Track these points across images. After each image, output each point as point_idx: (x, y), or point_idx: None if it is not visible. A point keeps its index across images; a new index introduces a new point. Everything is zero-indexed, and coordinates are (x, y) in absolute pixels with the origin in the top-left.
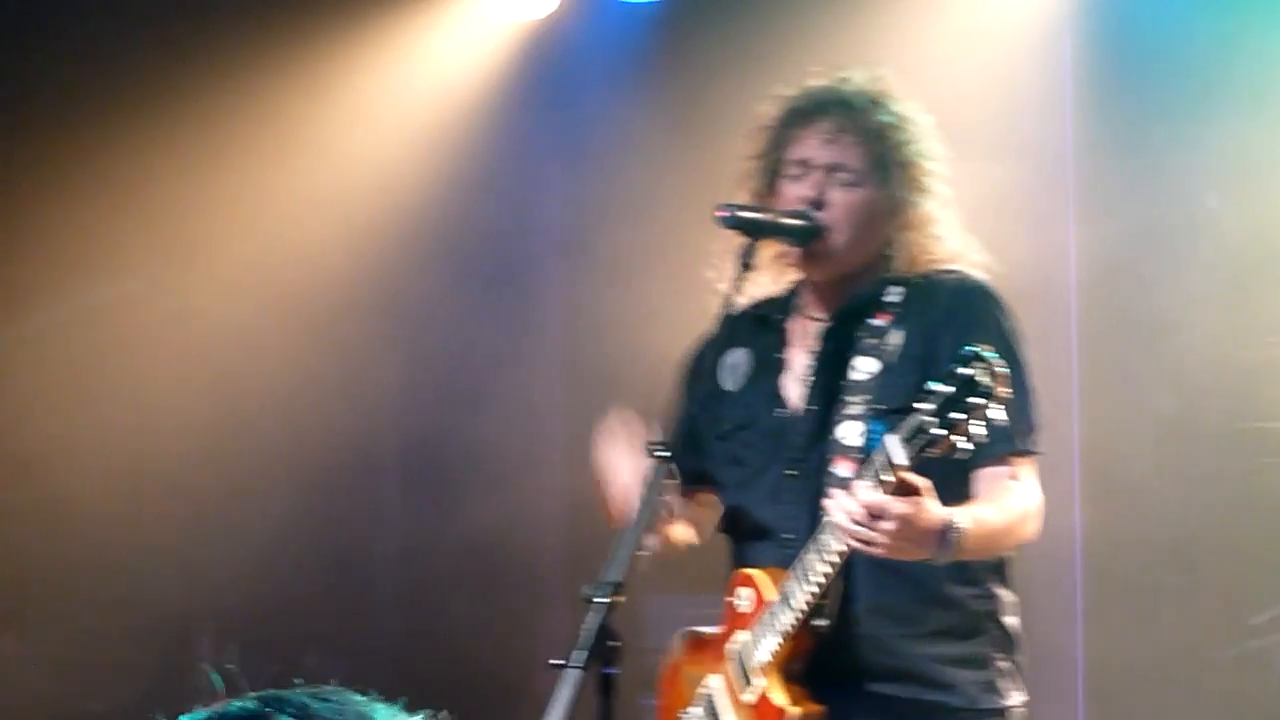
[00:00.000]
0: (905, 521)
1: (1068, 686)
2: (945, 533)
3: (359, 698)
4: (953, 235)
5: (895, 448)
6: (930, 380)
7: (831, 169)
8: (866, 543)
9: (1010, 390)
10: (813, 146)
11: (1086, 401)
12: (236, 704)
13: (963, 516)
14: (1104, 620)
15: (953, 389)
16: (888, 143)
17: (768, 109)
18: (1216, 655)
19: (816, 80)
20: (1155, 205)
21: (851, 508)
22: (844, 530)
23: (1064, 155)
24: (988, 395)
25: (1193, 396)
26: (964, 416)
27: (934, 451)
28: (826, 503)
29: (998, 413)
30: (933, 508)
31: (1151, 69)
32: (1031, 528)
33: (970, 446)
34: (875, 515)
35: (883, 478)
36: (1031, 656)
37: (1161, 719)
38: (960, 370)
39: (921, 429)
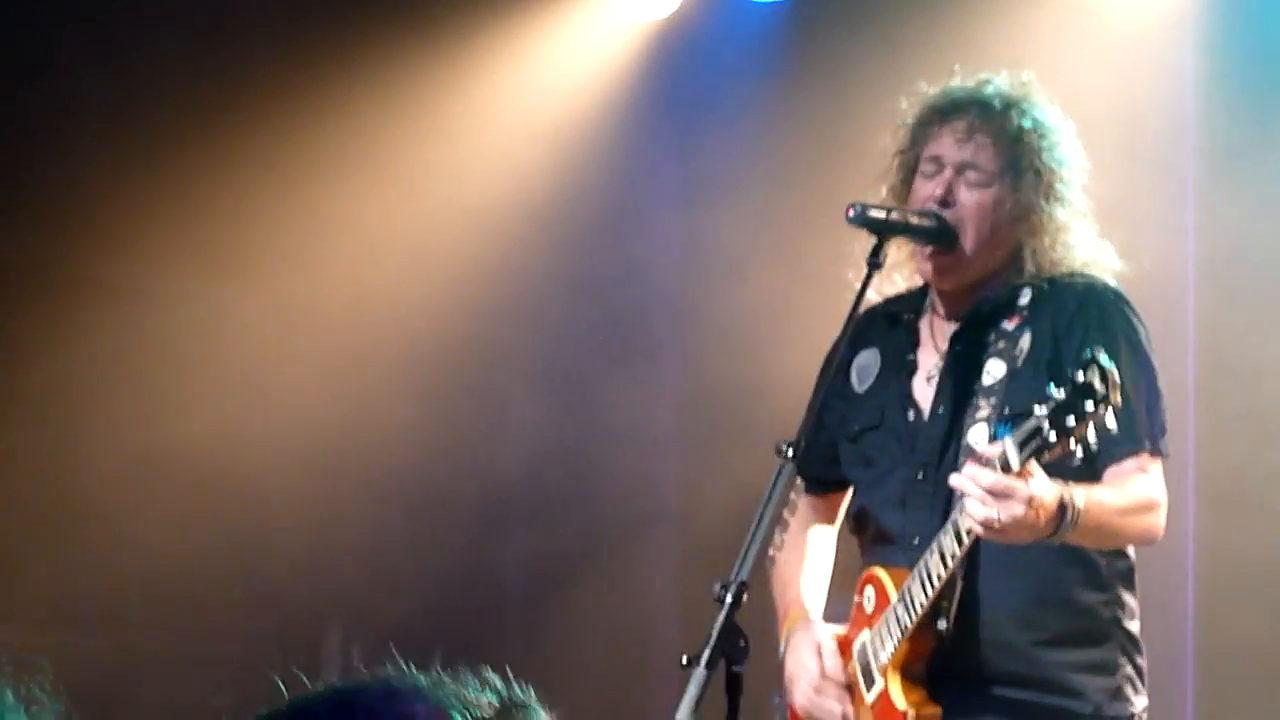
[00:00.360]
0: (1028, 502)
1: (1178, 693)
2: (1062, 510)
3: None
4: (1085, 244)
5: (1011, 451)
6: (1048, 384)
7: (962, 168)
8: (992, 523)
9: (1135, 392)
10: (946, 144)
11: (1203, 407)
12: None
13: (1079, 494)
14: (1216, 627)
15: (1068, 394)
16: (1022, 146)
17: (908, 106)
18: (1246, 641)
19: (958, 80)
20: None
21: (982, 484)
22: (973, 508)
23: (1184, 159)
24: (1103, 401)
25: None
26: (1078, 422)
27: (1048, 456)
28: (955, 478)
29: (1111, 419)
30: (1047, 485)
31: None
32: (1154, 521)
33: (1082, 453)
34: (1000, 495)
35: None
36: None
37: None
38: (1077, 376)
39: (1037, 433)
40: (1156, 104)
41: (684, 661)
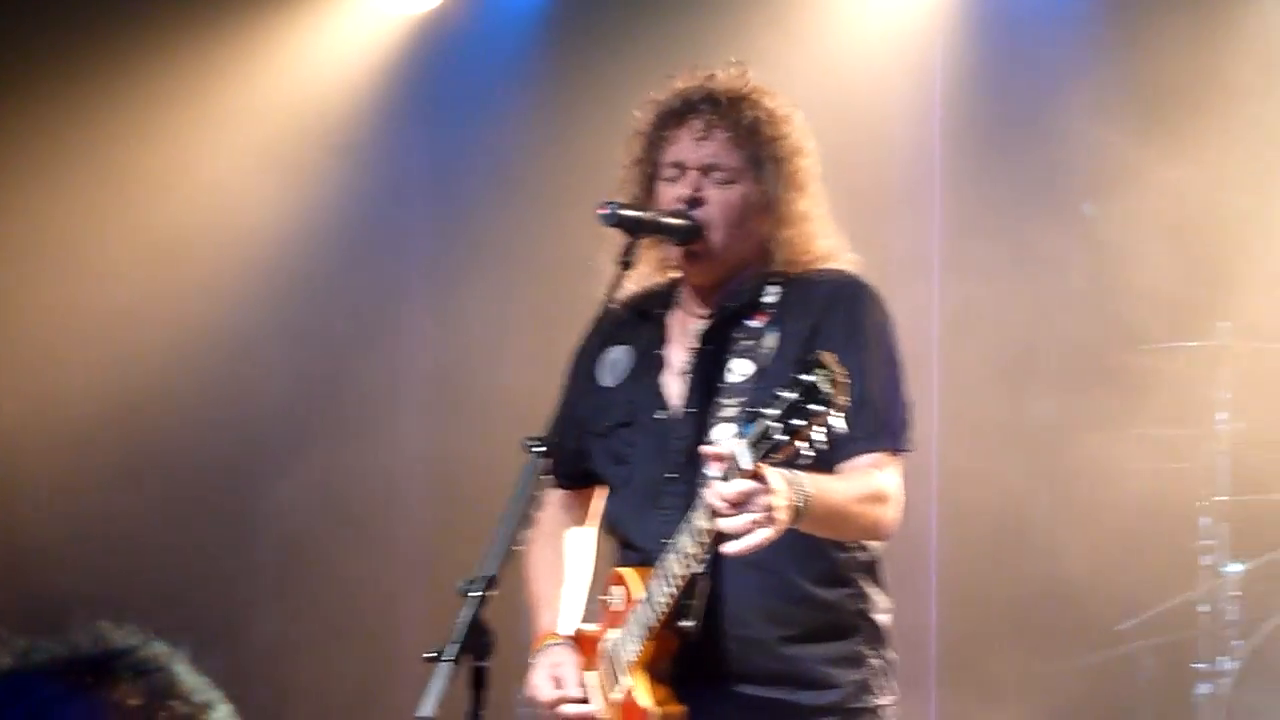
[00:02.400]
0: (766, 505)
1: (922, 690)
2: (793, 496)
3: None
4: (827, 232)
5: (742, 452)
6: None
7: (706, 168)
8: (745, 533)
9: (878, 387)
10: (686, 147)
11: (946, 407)
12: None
13: (807, 482)
14: (963, 625)
15: (795, 395)
16: (759, 138)
17: (639, 114)
18: (1081, 662)
19: (685, 80)
20: (1024, 214)
21: (723, 493)
22: (724, 520)
23: (932, 151)
24: (828, 403)
25: (1065, 403)
26: (804, 423)
27: (777, 456)
28: (702, 505)
29: (838, 420)
30: (777, 477)
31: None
32: (884, 513)
33: (811, 453)
34: (737, 504)
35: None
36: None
37: None
38: (803, 377)
39: (766, 434)
40: (905, 98)
41: (428, 656)
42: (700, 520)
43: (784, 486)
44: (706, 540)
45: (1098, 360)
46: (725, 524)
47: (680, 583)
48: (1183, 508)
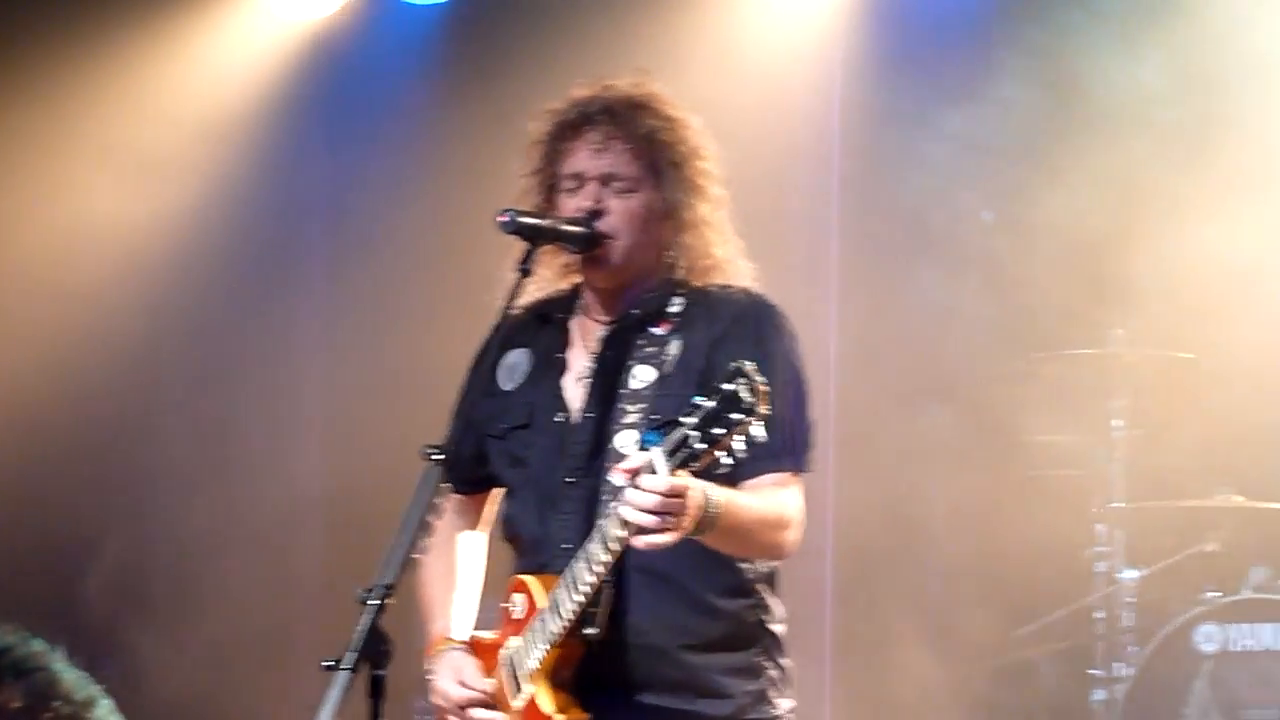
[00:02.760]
0: (679, 510)
1: (818, 701)
2: (704, 507)
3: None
4: (727, 237)
5: (659, 460)
6: (696, 394)
7: (606, 179)
8: (644, 530)
9: (783, 407)
10: (584, 158)
11: (844, 416)
12: None
13: (718, 494)
14: (858, 631)
15: (715, 404)
16: (657, 146)
17: (536, 125)
18: (978, 668)
19: (581, 90)
20: (922, 222)
21: (637, 500)
22: (626, 516)
23: (831, 162)
24: (750, 412)
25: (962, 410)
26: (725, 432)
27: (696, 465)
28: (615, 510)
29: (759, 429)
30: (693, 484)
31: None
32: (789, 535)
33: (730, 462)
34: (651, 511)
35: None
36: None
37: None
38: (724, 386)
39: (684, 443)
40: (804, 106)
41: (327, 664)
42: (612, 528)
43: (698, 495)
44: (618, 548)
45: (994, 368)
46: (637, 539)
47: (589, 591)
48: (1079, 515)
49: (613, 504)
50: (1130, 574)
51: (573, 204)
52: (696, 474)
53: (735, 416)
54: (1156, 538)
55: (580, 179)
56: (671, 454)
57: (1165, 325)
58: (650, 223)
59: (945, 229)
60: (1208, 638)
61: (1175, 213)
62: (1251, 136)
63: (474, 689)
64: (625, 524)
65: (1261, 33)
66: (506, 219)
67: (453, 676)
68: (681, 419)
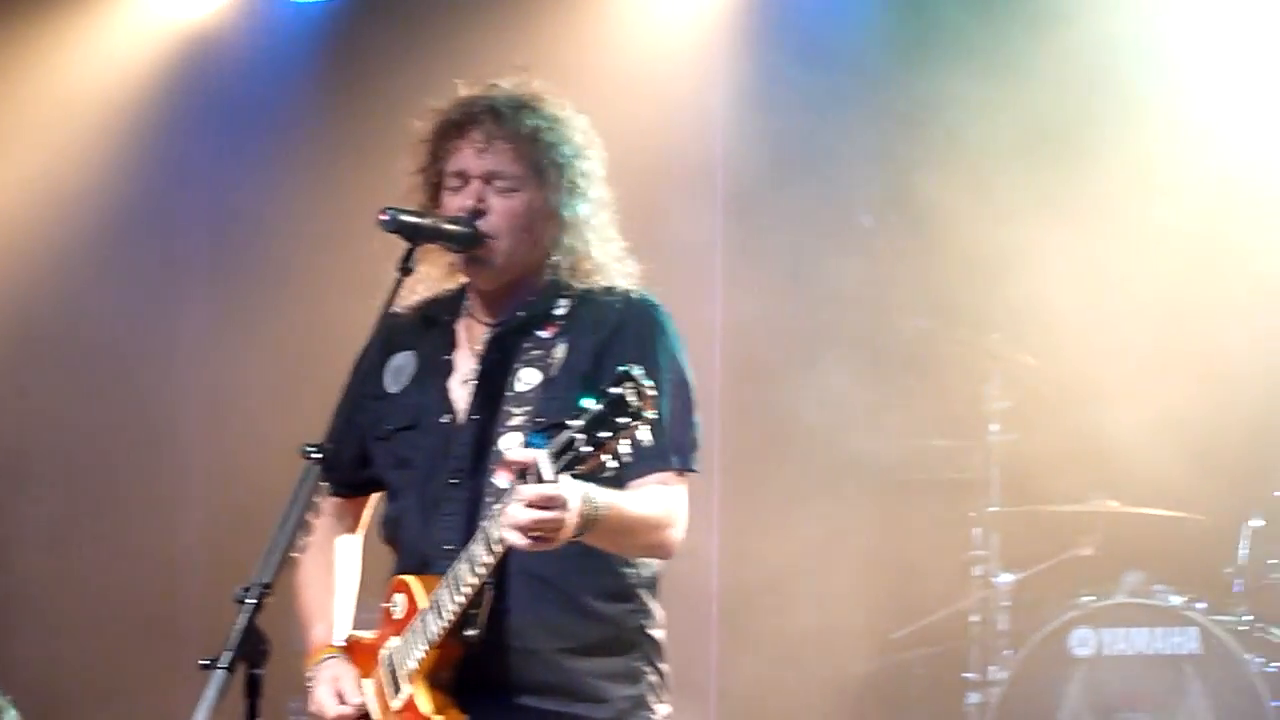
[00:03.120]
0: (562, 512)
1: (701, 702)
2: (584, 506)
3: None
4: (610, 238)
5: (545, 463)
6: (582, 397)
7: (489, 177)
8: (527, 533)
9: (669, 408)
10: (468, 157)
11: (729, 418)
12: None
13: (600, 496)
14: (740, 633)
15: (602, 408)
16: (540, 145)
17: (422, 123)
18: (856, 669)
19: (466, 90)
20: (804, 225)
21: (521, 516)
22: (510, 519)
23: (714, 165)
24: (636, 416)
25: (842, 413)
26: (611, 436)
27: (582, 468)
28: (499, 513)
29: (644, 433)
30: (573, 487)
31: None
32: (669, 536)
33: (616, 465)
34: (538, 508)
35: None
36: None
37: None
38: (611, 390)
39: (570, 445)
40: (688, 110)
41: (204, 663)
42: (495, 530)
43: (578, 499)
44: (501, 550)
45: (874, 371)
46: (517, 539)
47: (470, 592)
48: (956, 518)
49: (496, 506)
50: (1006, 578)
51: (455, 203)
52: (582, 476)
53: (621, 420)
54: (1032, 542)
55: (463, 177)
56: (557, 456)
57: (1042, 331)
58: (532, 223)
59: (826, 233)
60: (1082, 642)
61: (1052, 221)
62: (1123, 149)
63: (350, 704)
64: (508, 527)
65: (1125, 53)
66: (387, 218)
67: (330, 689)
68: (568, 422)
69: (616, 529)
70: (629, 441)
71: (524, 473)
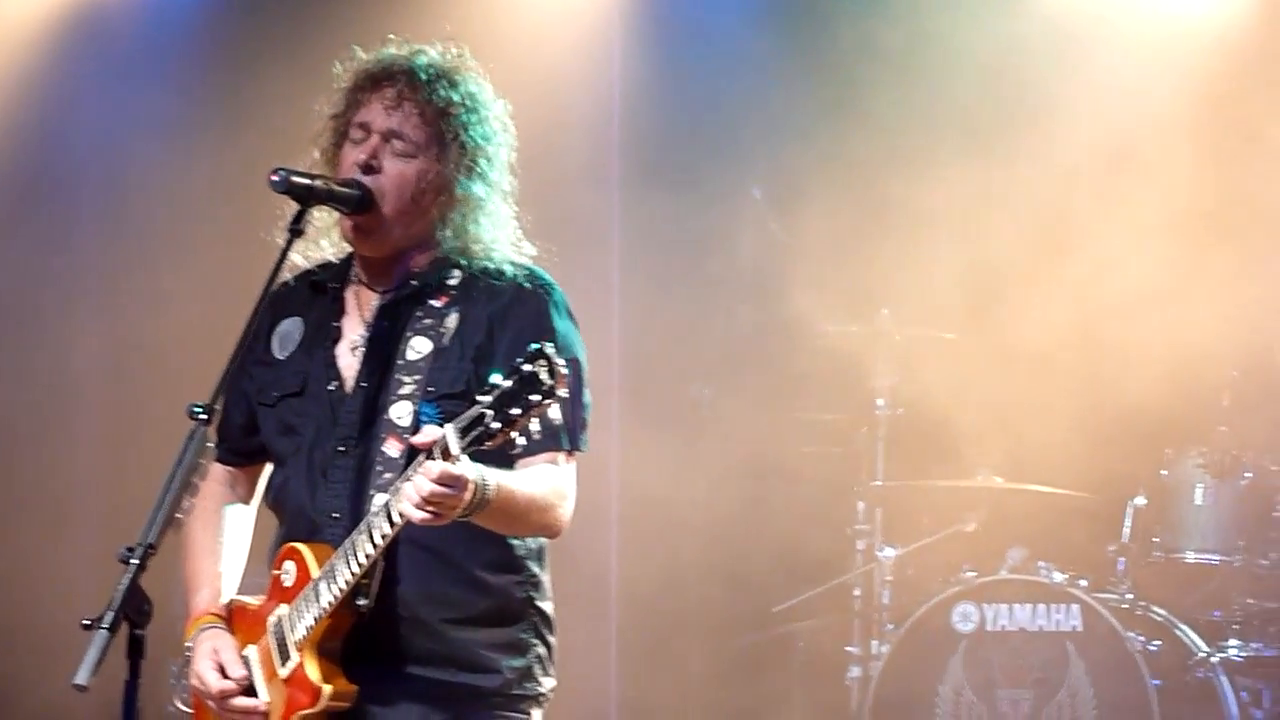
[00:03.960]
0: (464, 488)
1: (600, 668)
2: (475, 489)
3: None
4: (499, 225)
5: (453, 438)
6: (491, 372)
7: (389, 136)
8: (430, 508)
9: (566, 390)
10: (375, 111)
11: (624, 394)
12: None
13: (491, 476)
14: (634, 608)
15: (513, 385)
16: (449, 119)
17: (341, 68)
18: (739, 641)
19: (393, 47)
20: (697, 201)
21: (425, 489)
22: (413, 493)
23: (610, 151)
24: (548, 393)
25: (732, 387)
26: (521, 413)
27: (490, 444)
28: (403, 485)
29: (555, 411)
30: (470, 466)
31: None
32: (558, 516)
33: (524, 442)
34: (444, 484)
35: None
36: (565, 642)
37: (688, 698)
38: (523, 367)
39: (479, 421)
40: (585, 89)
41: (86, 623)
42: (397, 504)
43: (475, 477)
44: (400, 523)
45: (764, 346)
46: (414, 513)
47: (366, 563)
48: (842, 492)
49: (401, 480)
50: (889, 552)
51: (352, 155)
52: (487, 452)
53: (533, 398)
54: (916, 517)
55: (366, 130)
56: (465, 431)
57: (929, 306)
58: (422, 192)
59: (719, 210)
60: (964, 617)
61: (942, 196)
62: (1017, 130)
63: (231, 678)
64: (410, 500)
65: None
66: (278, 178)
67: (211, 661)
68: (478, 398)
69: (506, 511)
70: (539, 419)
71: (432, 448)
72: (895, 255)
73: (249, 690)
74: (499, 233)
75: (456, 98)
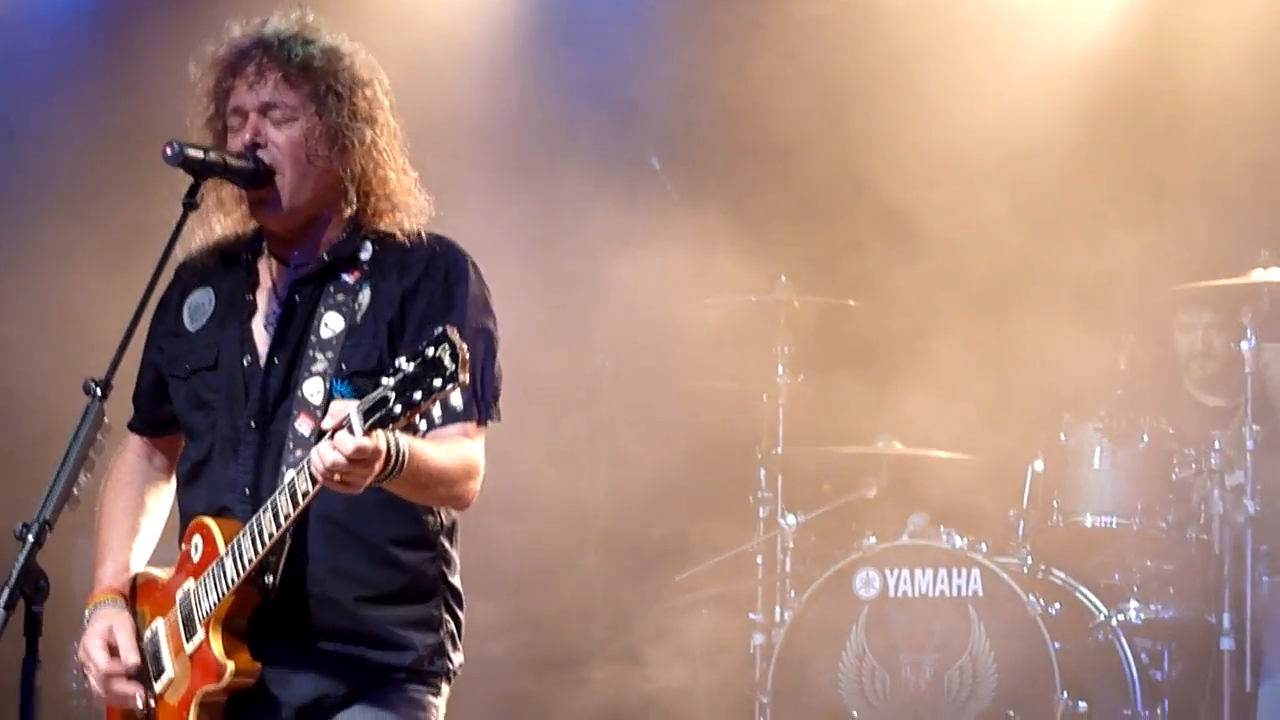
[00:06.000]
0: (370, 463)
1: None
2: (389, 456)
3: None
4: (400, 168)
5: (356, 420)
6: (398, 352)
7: (264, 109)
8: (335, 482)
9: (472, 358)
10: (242, 93)
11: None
12: None
13: (404, 441)
14: (536, 577)
15: (416, 369)
16: (314, 73)
17: (199, 71)
18: (641, 610)
19: (237, 30)
20: (596, 164)
21: (329, 458)
22: (319, 467)
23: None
24: (451, 379)
25: (629, 356)
26: (423, 397)
27: (393, 426)
28: (311, 459)
29: (457, 397)
30: (380, 438)
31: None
32: (472, 486)
33: (425, 426)
34: (352, 461)
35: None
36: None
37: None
38: (427, 351)
39: (383, 403)
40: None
41: None
42: (302, 482)
43: (384, 449)
44: (306, 502)
45: (663, 313)
46: (322, 470)
47: (271, 541)
48: (744, 460)
49: (306, 459)
50: (791, 520)
51: (238, 142)
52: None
53: (436, 382)
54: (817, 483)
55: (241, 114)
56: (368, 414)
57: (828, 273)
58: (314, 152)
59: (617, 173)
60: (866, 583)
61: (839, 160)
62: (927, 101)
63: (121, 660)
64: (314, 480)
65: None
66: (171, 151)
67: (100, 640)
68: (383, 380)
69: (418, 479)
70: (441, 404)
71: (335, 430)
72: (790, 222)
73: (138, 676)
74: (400, 179)
75: (315, 51)
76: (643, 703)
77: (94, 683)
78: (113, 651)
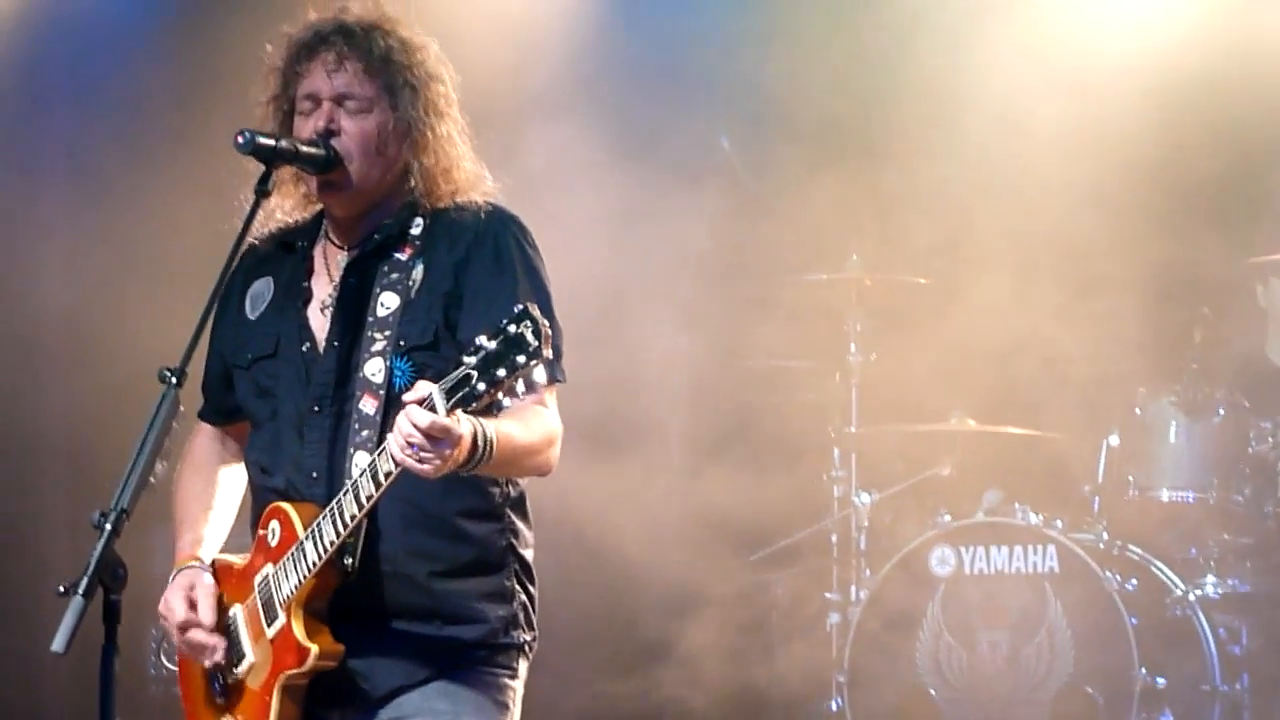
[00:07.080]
0: (457, 445)
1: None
2: (476, 444)
3: None
4: (468, 157)
5: (439, 399)
6: (457, 324)
7: (340, 99)
8: (420, 466)
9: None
10: (319, 79)
11: (587, 338)
12: None
13: (490, 428)
14: (611, 557)
15: (498, 346)
16: (393, 66)
17: (272, 49)
18: (718, 589)
19: (318, 14)
20: (663, 146)
21: (420, 426)
22: (405, 454)
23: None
24: (534, 355)
25: (703, 335)
26: (507, 374)
27: (475, 406)
28: (389, 438)
29: (540, 373)
30: (465, 421)
31: None
32: (553, 455)
33: (509, 403)
34: (434, 439)
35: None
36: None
37: (666, 649)
38: (509, 328)
39: (466, 382)
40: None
41: (61, 590)
42: (383, 463)
43: (470, 432)
44: (388, 483)
45: (733, 292)
46: (410, 461)
47: (352, 523)
48: (817, 439)
49: (389, 437)
50: (865, 498)
51: (308, 126)
52: (474, 412)
53: (520, 359)
54: (891, 462)
55: (315, 100)
56: (451, 392)
57: (900, 251)
58: (386, 143)
59: (684, 154)
60: (941, 561)
61: (912, 138)
62: (975, 105)
63: (200, 613)
64: (396, 460)
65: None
66: (243, 140)
67: (183, 593)
68: (464, 358)
69: (507, 459)
70: (524, 380)
71: (419, 406)
72: (864, 200)
73: (215, 631)
74: (469, 169)
75: (395, 44)
76: (720, 681)
77: (171, 633)
78: (192, 606)
